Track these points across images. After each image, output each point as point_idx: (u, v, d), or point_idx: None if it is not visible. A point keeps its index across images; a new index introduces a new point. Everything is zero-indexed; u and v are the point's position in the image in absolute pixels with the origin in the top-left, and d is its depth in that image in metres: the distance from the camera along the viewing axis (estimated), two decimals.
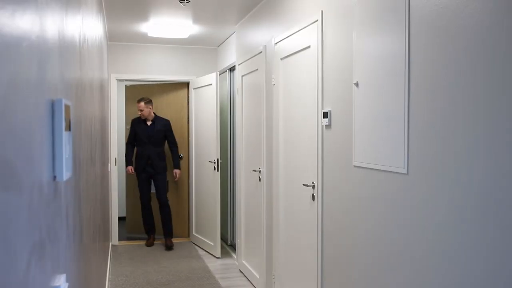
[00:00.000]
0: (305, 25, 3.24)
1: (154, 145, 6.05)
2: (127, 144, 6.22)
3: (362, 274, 2.54)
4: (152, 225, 6.26)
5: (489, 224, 1.64)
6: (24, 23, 0.68)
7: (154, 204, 6.56)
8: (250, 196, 4.66)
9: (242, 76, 4.90)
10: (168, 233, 6.08)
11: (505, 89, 1.57)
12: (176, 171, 6.20)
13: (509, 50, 1.55)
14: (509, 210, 1.56)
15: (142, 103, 5.98)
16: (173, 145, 6.16)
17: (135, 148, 6.20)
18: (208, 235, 5.83)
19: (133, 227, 6.82)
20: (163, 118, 6.16)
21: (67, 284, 0.99)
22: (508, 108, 1.56)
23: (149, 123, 6.10)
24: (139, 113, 6.03)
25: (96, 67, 3.06)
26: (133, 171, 6.23)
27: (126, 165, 6.25)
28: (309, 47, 3.21)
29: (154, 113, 6.18)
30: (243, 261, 4.94)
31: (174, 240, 6.45)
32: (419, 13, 2.01)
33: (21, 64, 0.65)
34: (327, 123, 2.91)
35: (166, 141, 6.20)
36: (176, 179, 6.26)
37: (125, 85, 6.91)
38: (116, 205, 6.29)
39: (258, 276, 4.41)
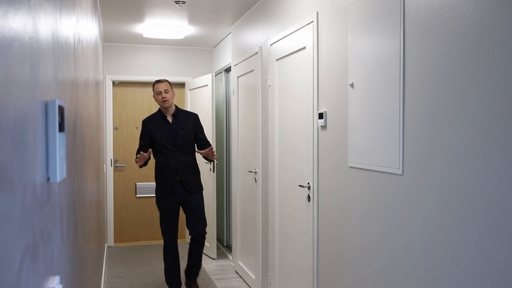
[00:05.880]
0: (300, 26, 3.24)
1: (182, 151, 4.05)
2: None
3: (357, 275, 2.54)
4: (178, 275, 4.24)
5: (482, 224, 1.65)
6: (16, 23, 0.67)
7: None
8: (246, 197, 4.66)
9: (238, 77, 4.90)
10: (193, 276, 4.33)
11: (498, 90, 1.58)
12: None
13: (502, 51, 1.56)
14: (501, 210, 1.57)
15: (166, 83, 4.06)
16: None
17: (155, 160, 4.14)
18: None
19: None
20: (188, 111, 4.27)
21: (61, 286, 0.98)
22: (501, 109, 1.57)
23: (170, 119, 4.10)
24: (161, 98, 4.01)
25: (91, 68, 3.06)
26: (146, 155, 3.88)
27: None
28: (304, 48, 3.21)
29: (175, 105, 4.19)
30: (239, 262, 4.93)
31: None
32: (414, 14, 2.02)
33: (13, 65, 0.65)
34: (323, 124, 2.91)
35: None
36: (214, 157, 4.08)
37: (112, 81, 6.21)
38: (111, 206, 6.27)
39: (254, 277, 4.41)
